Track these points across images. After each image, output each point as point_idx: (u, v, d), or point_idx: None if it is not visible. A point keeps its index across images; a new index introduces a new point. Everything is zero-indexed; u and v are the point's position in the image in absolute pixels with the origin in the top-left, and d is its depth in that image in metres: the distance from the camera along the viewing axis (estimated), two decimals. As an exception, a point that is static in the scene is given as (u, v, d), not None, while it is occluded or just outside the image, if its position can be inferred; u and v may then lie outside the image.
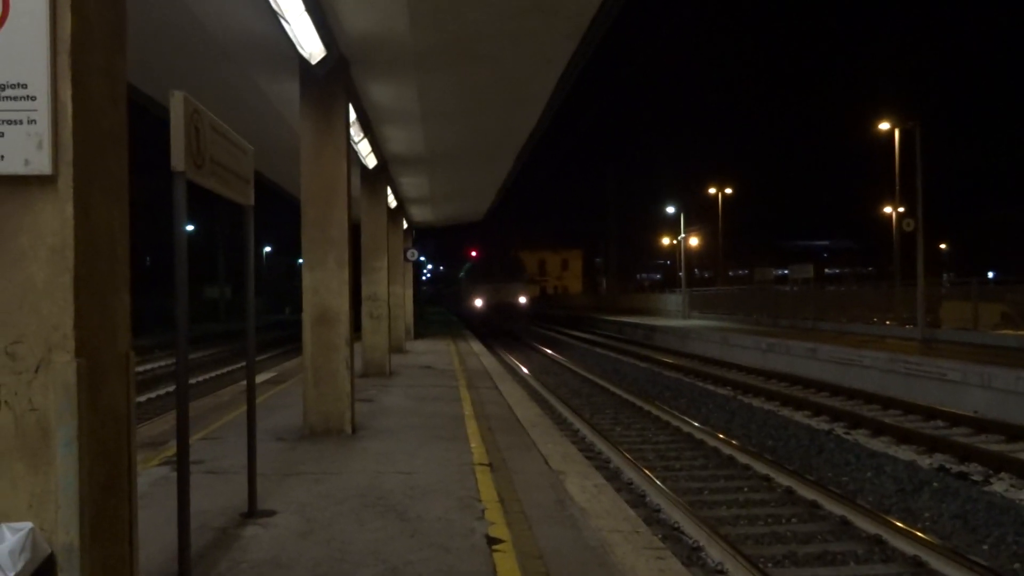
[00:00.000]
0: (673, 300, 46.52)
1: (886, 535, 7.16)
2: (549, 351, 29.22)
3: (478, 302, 40.74)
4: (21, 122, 2.67)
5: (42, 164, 2.67)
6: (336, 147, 9.13)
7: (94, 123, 2.84)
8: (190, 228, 40.72)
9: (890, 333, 24.14)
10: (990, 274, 57.53)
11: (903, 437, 11.82)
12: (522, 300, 41.14)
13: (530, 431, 9.42)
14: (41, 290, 2.69)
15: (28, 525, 2.61)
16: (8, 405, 2.68)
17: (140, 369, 20.90)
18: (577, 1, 8.21)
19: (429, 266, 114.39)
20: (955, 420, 12.96)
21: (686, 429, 12.68)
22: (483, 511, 5.83)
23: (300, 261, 9.25)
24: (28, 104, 2.67)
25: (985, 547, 7.33)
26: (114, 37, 3.03)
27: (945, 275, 38.29)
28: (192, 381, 18.92)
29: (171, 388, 17.08)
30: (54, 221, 2.69)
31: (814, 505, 8.31)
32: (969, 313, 22.20)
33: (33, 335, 2.69)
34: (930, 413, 13.62)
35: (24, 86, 2.67)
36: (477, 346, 25.06)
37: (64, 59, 2.68)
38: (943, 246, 62.06)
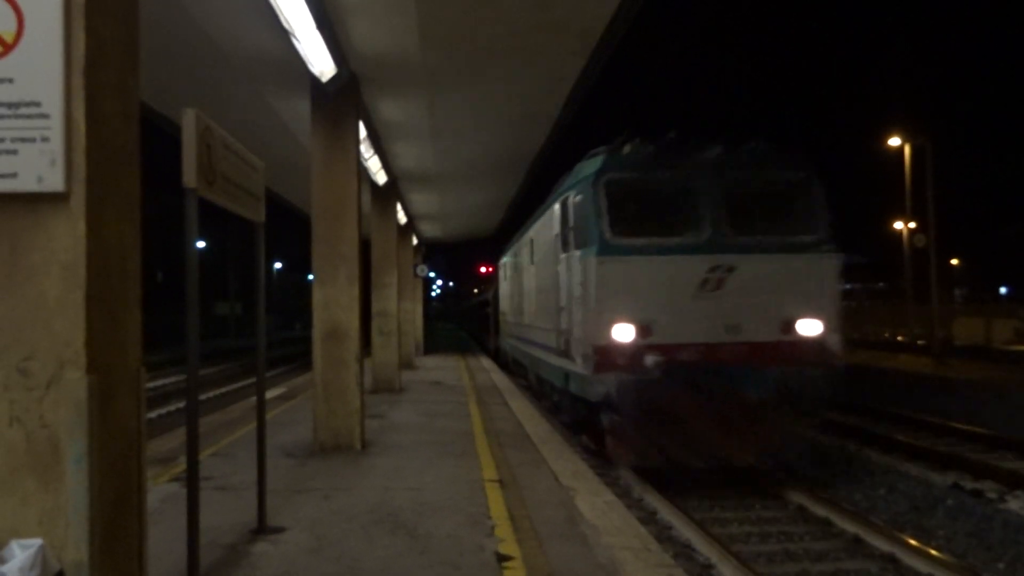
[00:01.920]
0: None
1: (900, 553, 7.08)
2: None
3: (620, 334, 8.75)
4: (35, 140, 2.69)
5: (55, 182, 2.68)
6: (346, 164, 9.18)
7: (107, 141, 2.86)
8: (201, 244, 40.93)
9: (902, 348, 23.98)
10: (1003, 290, 57.20)
11: (916, 454, 11.71)
12: (819, 331, 9.22)
13: (540, 447, 9.38)
14: (53, 307, 2.70)
15: (38, 542, 2.61)
16: (20, 422, 2.68)
17: (150, 385, 20.95)
18: (586, 18, 8.24)
19: (439, 281, 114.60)
20: (969, 436, 12.84)
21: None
22: (493, 528, 5.80)
23: (310, 277, 9.27)
24: (42, 122, 2.69)
25: (1001, 565, 7.23)
26: (127, 56, 3.06)
27: (957, 290, 38.03)
28: (202, 397, 18.95)
29: (181, 404, 17.12)
30: (66, 238, 2.71)
31: (826, 523, 8.23)
32: (982, 329, 22.06)
33: (45, 352, 2.70)
34: (943, 429, 13.50)
35: (38, 104, 2.69)
36: (487, 362, 25.04)
37: (77, 78, 2.70)
38: (955, 261, 61.75)
